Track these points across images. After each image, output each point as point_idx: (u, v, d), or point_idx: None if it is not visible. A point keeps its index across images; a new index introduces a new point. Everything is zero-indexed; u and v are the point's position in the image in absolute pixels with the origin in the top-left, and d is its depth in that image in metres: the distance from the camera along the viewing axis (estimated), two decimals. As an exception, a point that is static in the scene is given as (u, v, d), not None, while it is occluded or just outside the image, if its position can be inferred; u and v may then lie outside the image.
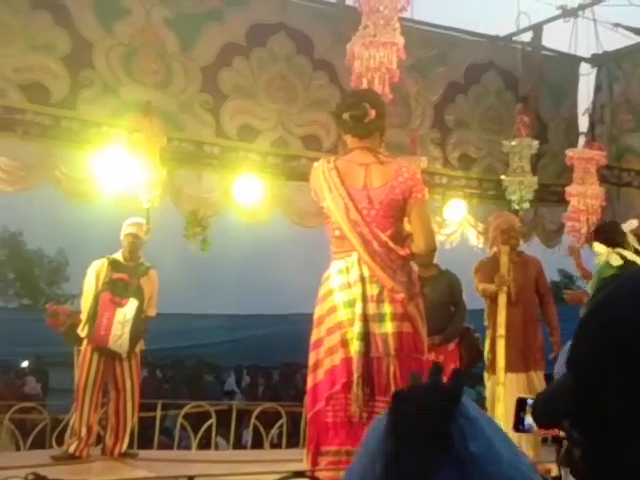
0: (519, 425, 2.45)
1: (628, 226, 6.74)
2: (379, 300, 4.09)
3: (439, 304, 6.93)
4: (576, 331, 1.10)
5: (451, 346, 7.36)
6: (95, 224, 13.62)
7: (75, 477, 6.35)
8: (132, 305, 7.13)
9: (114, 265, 7.24)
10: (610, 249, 6.28)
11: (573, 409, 1.06)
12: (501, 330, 7.03)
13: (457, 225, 10.00)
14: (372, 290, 4.10)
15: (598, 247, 6.43)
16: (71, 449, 7.03)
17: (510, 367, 6.98)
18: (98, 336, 7.02)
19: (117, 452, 7.18)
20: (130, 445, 7.46)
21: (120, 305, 7.09)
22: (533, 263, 7.40)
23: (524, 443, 6.26)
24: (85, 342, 7.13)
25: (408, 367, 4.07)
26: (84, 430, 7.02)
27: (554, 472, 4.17)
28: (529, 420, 2.41)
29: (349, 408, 4.02)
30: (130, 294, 7.16)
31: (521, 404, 2.43)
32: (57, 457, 7.01)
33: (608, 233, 6.51)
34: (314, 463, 4.09)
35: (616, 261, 6.14)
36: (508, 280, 7.05)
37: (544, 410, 1.27)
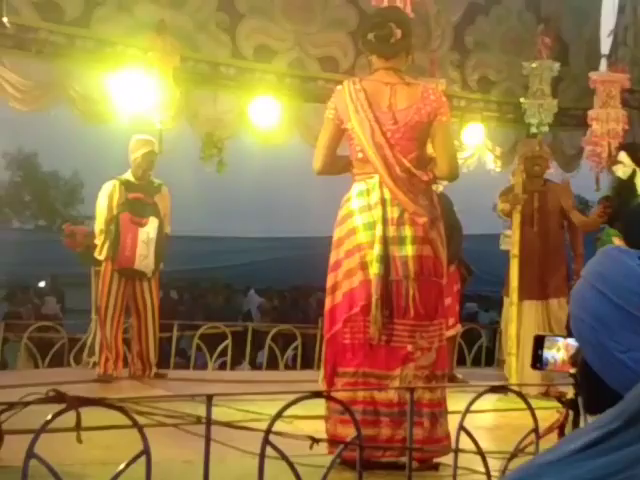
0: (537, 362, 2.40)
1: None
2: (399, 223, 4.06)
3: None
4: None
5: (452, 268, 7.34)
6: (110, 145, 13.57)
7: (92, 395, 6.42)
8: (153, 224, 7.13)
9: (127, 185, 7.20)
10: (634, 165, 6.33)
11: None
12: (515, 250, 7.04)
13: (474, 149, 9.89)
14: (393, 213, 4.07)
15: (624, 157, 6.43)
16: (100, 370, 7.11)
17: (526, 294, 6.98)
18: (123, 257, 7.02)
19: (147, 374, 7.25)
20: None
21: (141, 225, 7.09)
22: (561, 190, 7.30)
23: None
24: (105, 264, 7.15)
25: (427, 290, 4.07)
26: (109, 351, 7.09)
27: (570, 395, 4.18)
28: (547, 356, 2.38)
29: (368, 330, 4.03)
30: (149, 213, 7.16)
31: (539, 341, 2.38)
32: (98, 379, 7.05)
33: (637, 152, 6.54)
34: (330, 384, 4.12)
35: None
36: (521, 198, 7.04)
37: None
